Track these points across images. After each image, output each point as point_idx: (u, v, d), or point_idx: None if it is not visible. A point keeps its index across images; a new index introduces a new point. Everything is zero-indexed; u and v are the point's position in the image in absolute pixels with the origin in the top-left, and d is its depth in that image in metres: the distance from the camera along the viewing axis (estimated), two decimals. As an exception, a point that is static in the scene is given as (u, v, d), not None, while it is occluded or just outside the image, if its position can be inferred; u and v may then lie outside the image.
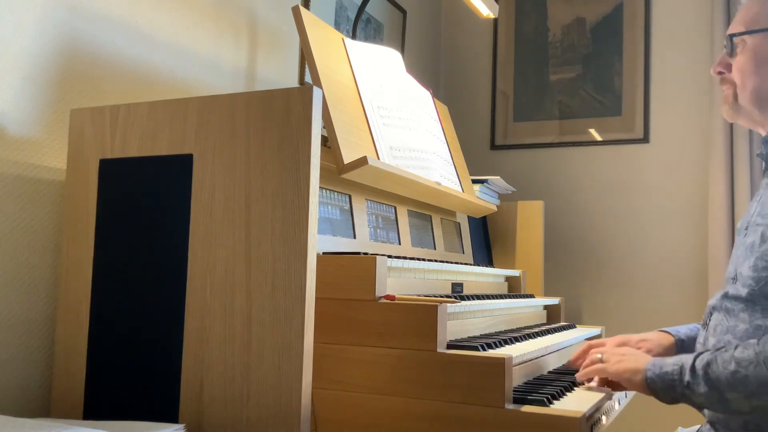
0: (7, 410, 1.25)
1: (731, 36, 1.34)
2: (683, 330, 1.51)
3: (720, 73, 1.38)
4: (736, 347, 1.15)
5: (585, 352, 1.48)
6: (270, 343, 1.07)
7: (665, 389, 1.20)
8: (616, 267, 2.83)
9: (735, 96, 1.36)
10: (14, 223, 1.29)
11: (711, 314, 1.33)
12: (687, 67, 2.78)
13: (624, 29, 2.88)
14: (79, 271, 1.23)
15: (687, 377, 1.17)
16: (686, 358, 1.20)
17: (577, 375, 1.38)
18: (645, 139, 2.82)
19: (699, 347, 1.36)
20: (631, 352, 1.33)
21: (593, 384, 1.36)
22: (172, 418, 1.12)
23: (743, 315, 1.23)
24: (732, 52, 1.35)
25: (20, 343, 1.29)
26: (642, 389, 1.25)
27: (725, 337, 1.25)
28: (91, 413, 1.19)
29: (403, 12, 2.82)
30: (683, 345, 1.48)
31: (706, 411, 1.27)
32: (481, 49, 3.16)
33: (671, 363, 1.21)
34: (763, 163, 1.38)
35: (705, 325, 1.35)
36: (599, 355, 1.36)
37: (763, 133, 1.37)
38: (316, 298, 1.24)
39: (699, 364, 1.17)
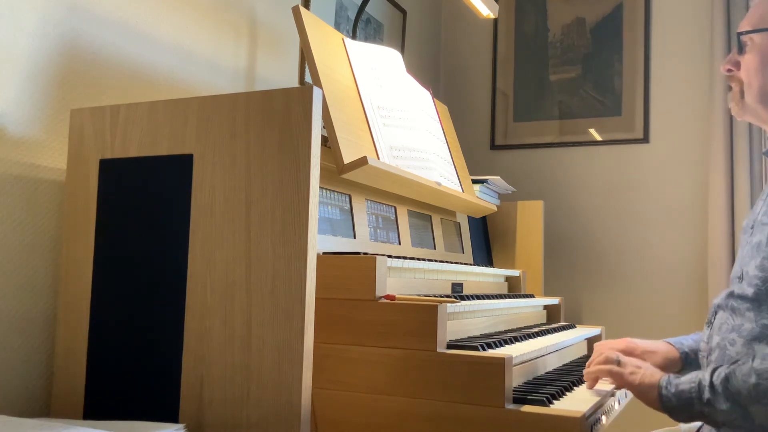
0: (7, 410, 1.25)
1: (739, 34, 1.35)
2: (687, 342, 1.48)
3: (729, 70, 1.39)
4: (753, 358, 1.14)
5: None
6: (270, 343, 1.06)
7: (681, 407, 1.18)
8: (616, 267, 2.83)
9: (742, 93, 1.36)
10: (14, 223, 1.28)
11: (716, 313, 1.33)
12: (687, 67, 2.78)
13: (624, 29, 2.88)
14: (79, 271, 1.23)
15: (707, 394, 1.15)
16: (702, 375, 1.17)
17: (586, 371, 1.36)
18: (645, 139, 2.82)
19: (703, 345, 1.35)
20: (646, 366, 1.30)
21: (603, 383, 1.35)
22: (172, 418, 1.12)
23: (749, 314, 1.22)
24: (741, 51, 1.36)
25: (20, 343, 1.29)
26: (655, 405, 1.22)
27: (730, 335, 1.25)
28: (91, 413, 1.19)
29: (403, 12, 2.82)
30: (688, 358, 1.46)
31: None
32: (481, 49, 3.16)
33: (687, 381, 1.19)
34: None
35: (709, 323, 1.34)
36: (616, 356, 1.33)
37: None
38: (316, 298, 1.24)
39: (717, 380, 1.15)
